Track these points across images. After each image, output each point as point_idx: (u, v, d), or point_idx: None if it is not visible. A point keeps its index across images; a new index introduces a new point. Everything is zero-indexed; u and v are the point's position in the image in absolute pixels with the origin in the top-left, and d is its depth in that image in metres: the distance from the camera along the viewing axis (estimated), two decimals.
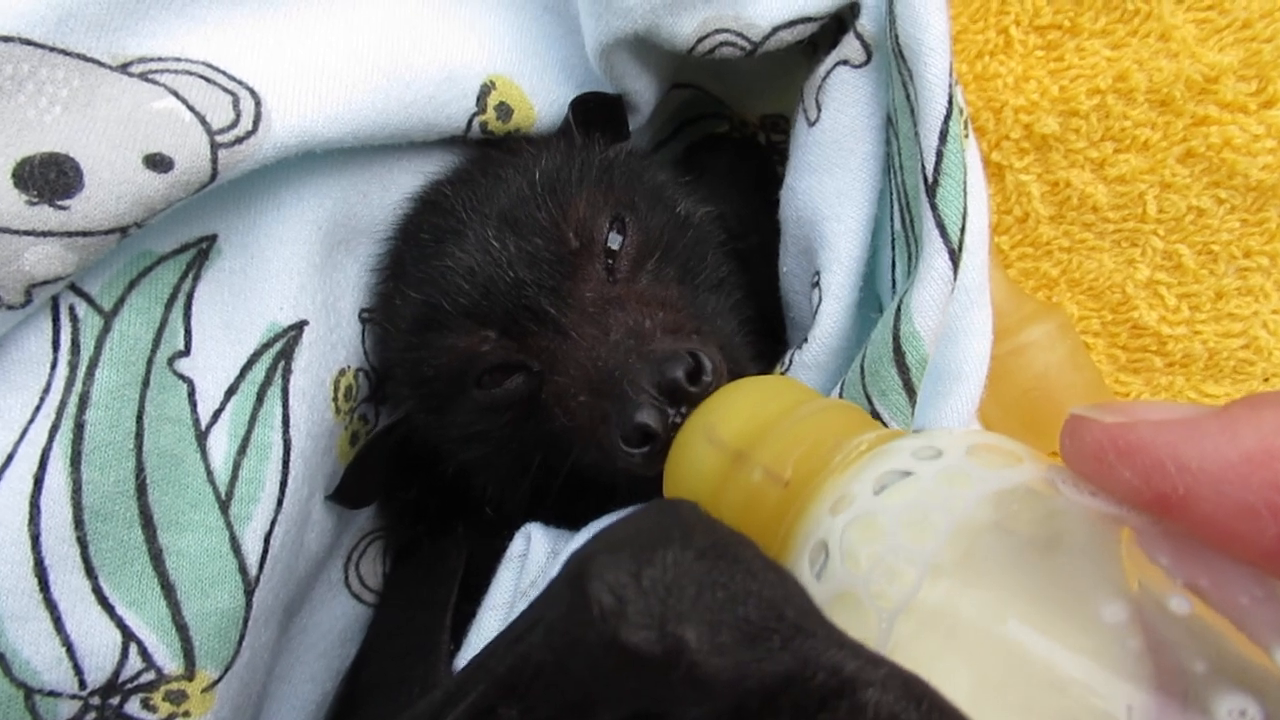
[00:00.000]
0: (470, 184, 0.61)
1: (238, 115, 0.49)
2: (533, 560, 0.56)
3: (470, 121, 0.59)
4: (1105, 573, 0.29)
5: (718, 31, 0.57)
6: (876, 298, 0.60)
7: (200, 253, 0.53)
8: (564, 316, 0.55)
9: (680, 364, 0.46)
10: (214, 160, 0.48)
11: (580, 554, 0.30)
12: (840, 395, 0.53)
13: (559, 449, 0.57)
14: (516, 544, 0.58)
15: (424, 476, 0.66)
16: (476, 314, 0.56)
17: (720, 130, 0.81)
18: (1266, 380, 0.70)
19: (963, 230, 0.50)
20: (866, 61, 0.57)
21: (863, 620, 0.32)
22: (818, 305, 0.57)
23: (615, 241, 0.58)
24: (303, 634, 0.65)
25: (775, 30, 0.57)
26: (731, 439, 0.40)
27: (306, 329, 0.56)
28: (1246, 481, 0.27)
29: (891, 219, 0.57)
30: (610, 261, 0.58)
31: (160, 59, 0.50)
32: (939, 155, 0.50)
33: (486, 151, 0.64)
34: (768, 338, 0.66)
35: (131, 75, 0.48)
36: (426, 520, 0.68)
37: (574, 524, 0.57)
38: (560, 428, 0.55)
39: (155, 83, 0.48)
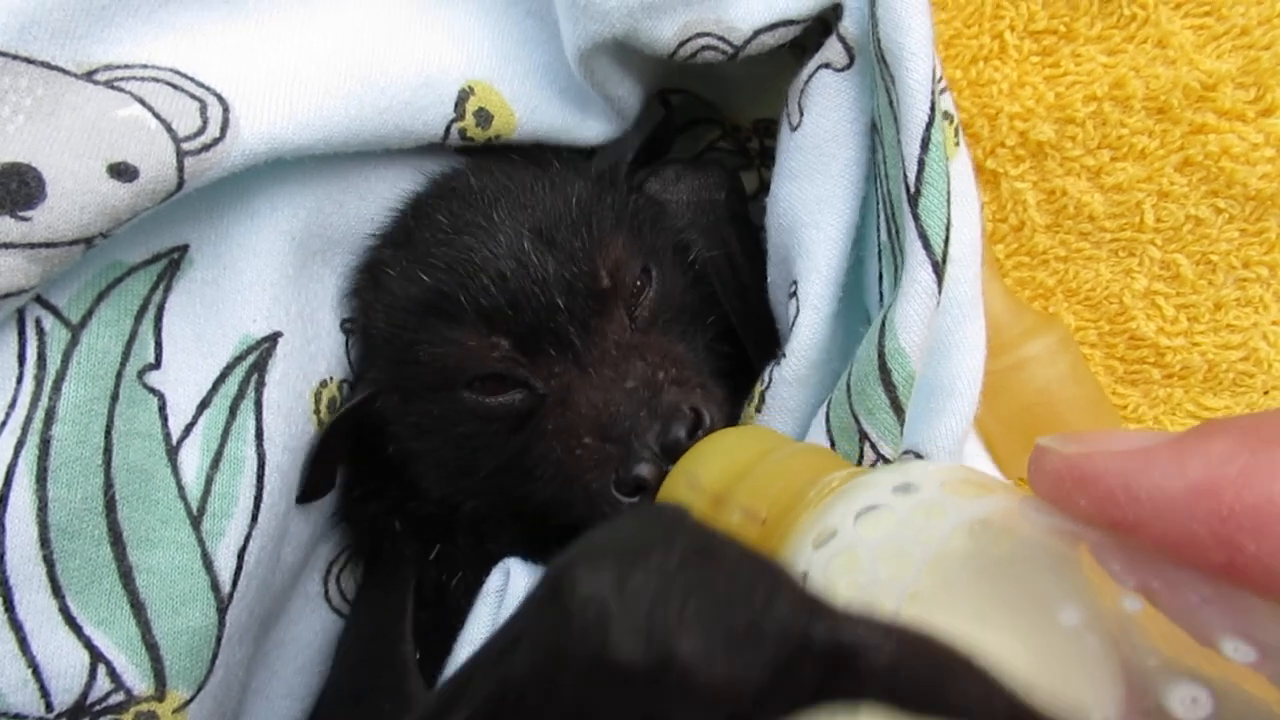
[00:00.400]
0: (497, 183, 0.60)
1: (205, 122, 0.48)
2: (511, 595, 0.56)
3: (448, 128, 0.58)
4: (1066, 583, 0.30)
5: (699, 35, 0.56)
6: (865, 311, 0.59)
7: (171, 263, 0.52)
8: (588, 353, 0.55)
9: (684, 423, 0.49)
10: (180, 168, 0.47)
11: (559, 565, 0.29)
12: (828, 414, 0.52)
13: (527, 473, 0.56)
14: (494, 579, 0.57)
15: (373, 477, 0.66)
16: (495, 320, 0.56)
17: (712, 136, 0.80)
18: (1266, 393, 0.69)
19: (946, 242, 0.49)
20: (849, 65, 0.56)
21: None
22: (794, 316, 0.56)
23: (637, 289, 0.59)
24: (280, 649, 0.64)
25: (756, 34, 0.56)
26: (710, 484, 0.42)
27: (281, 341, 0.54)
28: (1191, 512, 0.28)
29: (878, 229, 0.55)
30: (633, 309, 0.58)
31: (127, 66, 0.49)
32: (921, 164, 0.49)
33: (507, 154, 0.63)
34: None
35: (97, 83, 0.47)
36: (379, 527, 0.66)
37: (525, 546, 0.58)
38: (553, 458, 0.55)
39: (121, 90, 0.47)
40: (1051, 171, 0.71)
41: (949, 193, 0.49)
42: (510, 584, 0.56)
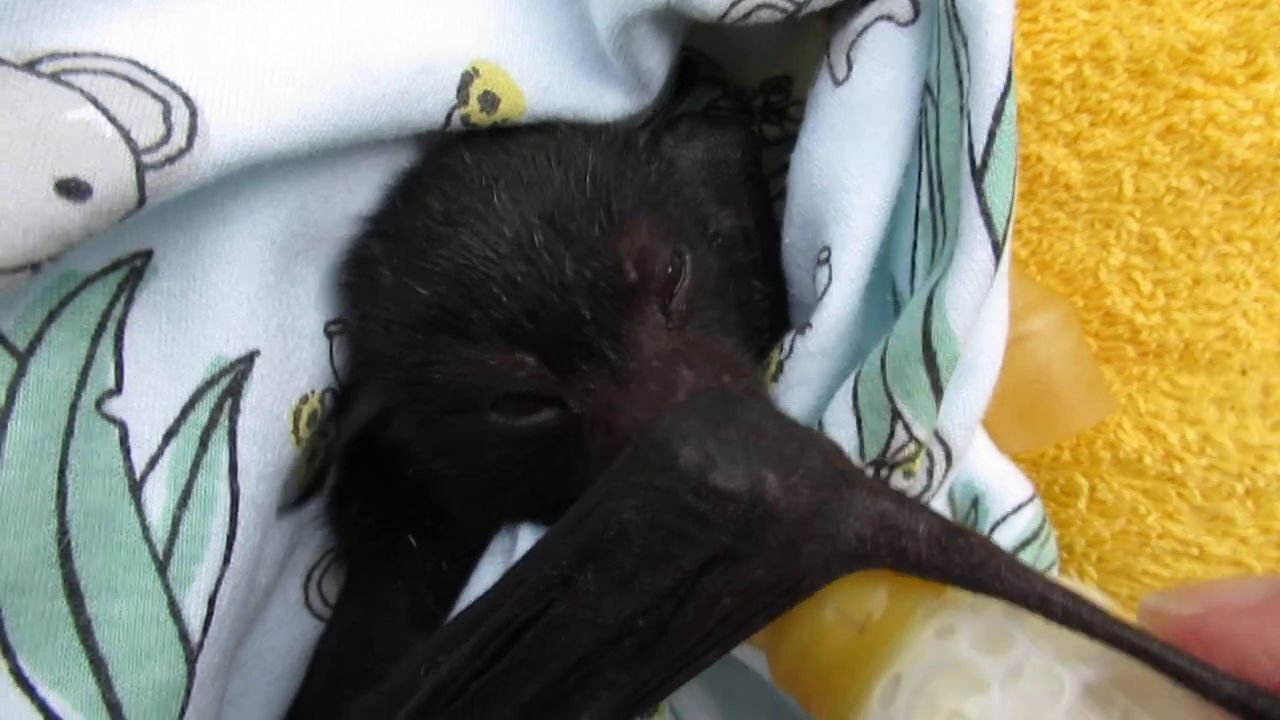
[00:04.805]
0: (494, 158, 0.54)
1: (169, 128, 0.41)
2: (518, 555, 0.53)
3: (450, 115, 0.52)
4: None
5: None
6: (890, 278, 0.56)
7: (133, 271, 0.46)
8: (624, 365, 0.49)
9: None
10: (140, 185, 0.41)
11: (657, 430, 0.35)
12: (856, 388, 0.49)
13: (570, 488, 0.50)
14: (501, 540, 0.54)
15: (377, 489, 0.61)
16: (514, 334, 0.50)
17: (713, 95, 0.76)
18: (1244, 373, 0.66)
19: (1008, 220, 0.46)
20: (913, 20, 0.52)
21: None
22: (825, 286, 0.53)
23: (669, 278, 0.53)
24: (258, 658, 0.60)
25: None
26: None
27: (258, 360, 0.49)
28: None
29: (918, 197, 0.52)
30: (666, 303, 0.52)
31: (76, 54, 0.42)
32: (991, 136, 0.46)
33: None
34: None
35: (41, 75, 0.40)
36: (379, 535, 0.62)
37: None
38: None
39: (69, 86, 0.40)
40: (1027, 136, 0.67)
41: (1016, 170, 0.46)
42: (518, 546, 0.54)
